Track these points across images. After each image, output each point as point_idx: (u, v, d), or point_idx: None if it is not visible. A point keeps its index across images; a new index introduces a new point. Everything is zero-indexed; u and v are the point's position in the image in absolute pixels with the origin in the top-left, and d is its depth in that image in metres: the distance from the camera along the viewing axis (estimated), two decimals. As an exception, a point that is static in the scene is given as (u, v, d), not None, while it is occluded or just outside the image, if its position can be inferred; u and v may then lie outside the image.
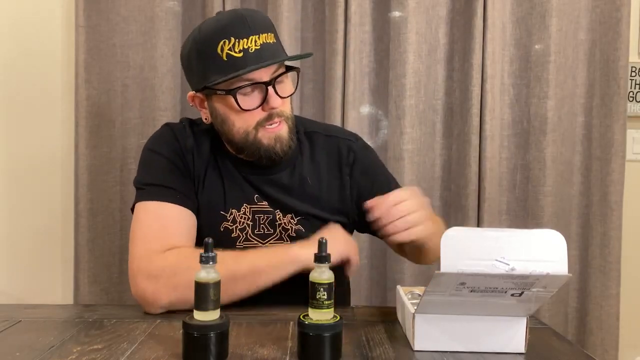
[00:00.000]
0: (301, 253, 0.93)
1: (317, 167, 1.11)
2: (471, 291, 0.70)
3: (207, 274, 0.70)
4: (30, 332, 0.83)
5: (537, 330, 0.86)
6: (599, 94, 1.70)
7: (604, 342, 1.68)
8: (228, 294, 0.85)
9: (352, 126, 1.61)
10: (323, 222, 1.07)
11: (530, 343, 0.76)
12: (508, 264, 0.68)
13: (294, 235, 1.07)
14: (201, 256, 0.70)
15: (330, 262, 0.72)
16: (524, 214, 1.69)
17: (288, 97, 1.03)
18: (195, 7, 1.65)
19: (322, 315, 0.71)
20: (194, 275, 0.83)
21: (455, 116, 1.67)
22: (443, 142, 1.69)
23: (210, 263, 0.70)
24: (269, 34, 0.99)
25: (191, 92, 1.05)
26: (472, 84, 1.61)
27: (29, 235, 1.70)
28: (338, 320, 0.72)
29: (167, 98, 1.61)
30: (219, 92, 0.99)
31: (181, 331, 0.71)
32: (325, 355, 0.70)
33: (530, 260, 0.68)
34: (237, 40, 0.95)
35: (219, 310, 0.71)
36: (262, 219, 1.07)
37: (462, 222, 1.63)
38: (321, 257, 0.72)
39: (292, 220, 1.07)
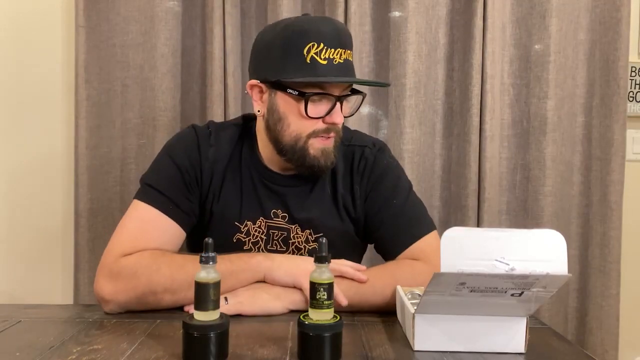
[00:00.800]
0: (263, 262, 0.93)
1: (334, 178, 1.10)
2: (471, 291, 0.70)
3: (207, 274, 0.70)
4: (30, 332, 0.83)
5: (537, 330, 0.86)
6: (598, 94, 1.70)
7: (604, 342, 1.68)
8: (181, 297, 0.90)
9: (351, 126, 1.60)
10: (339, 237, 1.08)
11: (530, 343, 0.76)
12: (508, 264, 0.68)
13: (307, 255, 1.06)
14: (201, 256, 0.70)
15: (329, 262, 0.72)
16: (524, 214, 1.69)
17: (347, 117, 1.03)
18: (195, 7, 1.65)
19: (322, 315, 0.71)
20: (154, 276, 0.85)
21: (455, 116, 1.67)
22: (443, 142, 1.69)
23: (210, 263, 0.70)
24: (351, 52, 1.00)
25: (253, 81, 1.03)
26: (472, 84, 1.61)
27: (29, 235, 1.70)
28: (338, 320, 0.72)
29: (167, 98, 1.61)
30: (290, 91, 0.97)
31: (181, 331, 0.71)
32: (325, 355, 0.70)
33: (530, 260, 0.68)
34: (325, 47, 0.96)
35: (219, 310, 0.71)
36: (276, 235, 1.07)
37: (462, 222, 1.63)
38: (321, 257, 0.72)
39: (309, 237, 1.07)
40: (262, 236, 1.06)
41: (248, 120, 1.13)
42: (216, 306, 0.71)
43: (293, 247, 1.07)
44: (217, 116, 1.59)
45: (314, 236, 1.07)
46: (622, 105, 1.66)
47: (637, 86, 1.80)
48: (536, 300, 0.72)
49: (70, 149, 1.65)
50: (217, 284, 0.70)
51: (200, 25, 1.65)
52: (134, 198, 1.02)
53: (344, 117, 1.01)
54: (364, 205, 1.09)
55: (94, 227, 1.61)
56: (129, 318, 0.90)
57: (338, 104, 0.98)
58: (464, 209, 1.63)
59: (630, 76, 1.77)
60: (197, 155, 1.04)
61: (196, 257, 0.75)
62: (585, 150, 1.71)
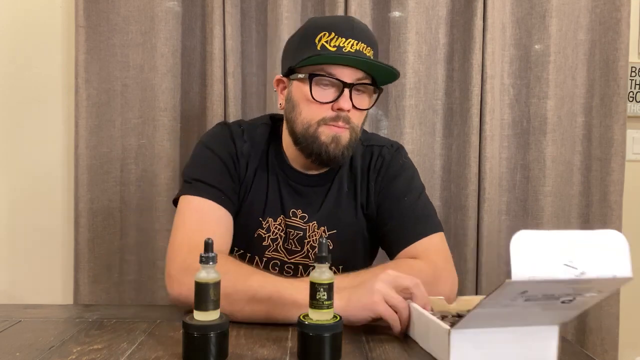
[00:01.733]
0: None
1: (354, 177, 1.12)
2: (526, 300, 0.64)
3: (207, 274, 0.70)
4: (30, 332, 0.83)
5: (537, 330, 0.86)
6: (598, 94, 1.70)
7: (604, 342, 1.68)
8: (237, 309, 0.84)
9: (352, 126, 1.61)
10: (354, 234, 1.10)
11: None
12: (576, 268, 0.62)
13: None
14: (201, 256, 0.70)
15: (329, 262, 0.72)
16: (523, 214, 1.69)
17: (361, 110, 1.03)
18: (195, 7, 1.65)
19: (322, 315, 0.71)
20: (222, 279, 0.82)
21: (455, 116, 1.67)
22: (443, 142, 1.69)
23: (210, 263, 0.70)
24: (369, 47, 1.01)
25: (278, 75, 1.09)
26: (472, 84, 1.61)
27: (29, 235, 1.70)
28: (338, 320, 0.72)
29: (167, 98, 1.61)
30: (300, 75, 1.01)
31: (181, 331, 0.71)
32: (325, 355, 0.70)
33: (594, 262, 0.63)
34: (336, 36, 0.98)
35: (219, 310, 0.71)
36: (293, 234, 1.09)
37: (462, 222, 1.63)
38: (321, 257, 0.72)
39: (324, 234, 1.09)
40: (282, 234, 1.08)
41: (275, 121, 1.16)
42: (216, 306, 0.71)
43: (308, 246, 1.09)
44: (217, 116, 1.59)
45: (327, 233, 1.09)
46: (622, 105, 1.66)
47: (637, 86, 1.80)
48: (582, 305, 0.67)
49: (70, 149, 1.65)
50: (217, 284, 0.70)
51: (200, 25, 1.65)
52: (182, 194, 1.03)
53: (359, 108, 1.02)
54: (376, 201, 1.11)
55: (94, 227, 1.61)
56: (129, 318, 0.90)
57: (346, 91, 0.99)
58: (464, 209, 1.63)
59: (630, 76, 1.77)
60: (234, 149, 1.07)
61: (260, 271, 0.80)
62: (585, 150, 1.71)
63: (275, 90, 1.11)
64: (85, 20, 1.59)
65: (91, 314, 0.92)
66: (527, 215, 1.68)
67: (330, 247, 1.08)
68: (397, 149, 1.16)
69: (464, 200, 1.63)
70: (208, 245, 0.70)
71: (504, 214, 1.69)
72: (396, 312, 0.81)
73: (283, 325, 0.84)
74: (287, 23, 1.58)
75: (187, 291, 0.86)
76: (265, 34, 1.65)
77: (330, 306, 0.71)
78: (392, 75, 1.03)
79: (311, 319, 0.71)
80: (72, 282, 1.63)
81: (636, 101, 1.80)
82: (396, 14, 1.64)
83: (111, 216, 1.63)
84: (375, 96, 1.07)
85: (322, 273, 0.71)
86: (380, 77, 1.04)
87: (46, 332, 0.82)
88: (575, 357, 0.78)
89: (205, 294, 0.70)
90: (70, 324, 0.87)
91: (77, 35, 1.59)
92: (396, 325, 0.81)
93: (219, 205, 1.01)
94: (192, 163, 1.08)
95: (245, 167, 1.08)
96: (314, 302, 0.71)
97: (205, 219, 0.99)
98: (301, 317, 0.72)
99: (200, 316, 0.70)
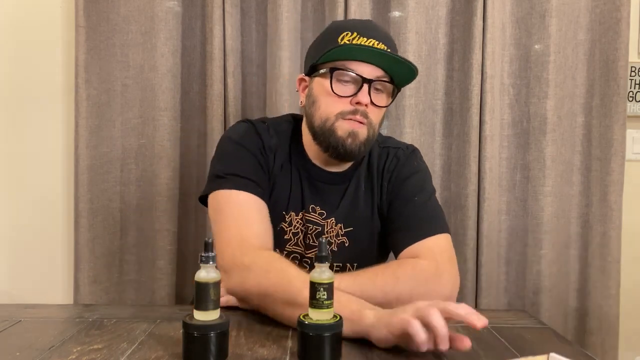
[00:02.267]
0: (368, 318, 0.79)
1: (371, 177, 1.14)
2: None
3: (207, 274, 0.70)
4: (30, 332, 0.83)
5: (537, 330, 0.86)
6: (598, 94, 1.70)
7: (604, 342, 1.67)
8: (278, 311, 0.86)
9: (352, 126, 1.61)
10: (369, 232, 1.12)
11: (530, 343, 0.76)
12: None
13: (336, 249, 1.10)
14: (201, 256, 0.70)
15: (330, 262, 0.72)
16: (523, 214, 1.69)
17: (380, 107, 1.04)
18: (195, 7, 1.65)
19: (322, 315, 0.71)
20: (277, 278, 0.85)
21: (455, 116, 1.67)
22: (443, 142, 1.69)
23: (210, 263, 0.70)
24: (389, 49, 1.03)
25: (301, 75, 1.12)
26: (472, 84, 1.61)
27: (29, 235, 1.70)
28: (338, 320, 0.72)
29: (167, 98, 1.61)
30: (321, 70, 1.04)
31: (181, 331, 0.71)
32: (325, 355, 0.70)
33: None
34: (359, 35, 1.01)
35: (219, 310, 0.71)
36: (311, 229, 1.10)
37: (462, 222, 1.63)
38: (321, 257, 0.72)
39: (340, 231, 1.11)
40: (302, 228, 1.10)
41: (297, 120, 1.18)
42: (216, 306, 0.71)
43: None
44: (217, 116, 1.59)
45: (344, 230, 1.11)
46: (622, 105, 1.66)
47: (637, 86, 1.80)
48: None
49: (70, 149, 1.65)
50: (217, 284, 0.70)
51: (200, 25, 1.65)
52: (217, 189, 1.02)
53: (377, 104, 1.03)
54: (387, 200, 1.12)
55: (94, 227, 1.61)
56: (129, 318, 0.90)
57: (365, 86, 1.01)
58: (464, 209, 1.63)
59: (630, 76, 1.77)
60: (261, 143, 1.08)
61: (303, 273, 0.81)
62: (585, 150, 1.71)
63: (297, 91, 1.13)
64: (85, 20, 1.59)
65: (91, 314, 0.92)
66: (527, 215, 1.68)
67: (347, 245, 1.11)
68: (413, 151, 1.18)
69: (464, 200, 1.63)
70: (208, 245, 0.70)
71: (504, 213, 1.69)
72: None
73: (282, 325, 0.84)
74: (287, 23, 1.58)
75: (237, 286, 0.91)
76: (265, 34, 1.65)
77: (330, 306, 0.71)
78: (410, 72, 1.04)
79: (311, 319, 0.71)
80: (72, 282, 1.63)
81: (636, 101, 1.80)
82: (396, 14, 1.64)
83: (111, 216, 1.63)
84: (391, 87, 1.08)
85: (322, 273, 0.71)
86: (398, 77, 1.06)
87: (46, 332, 0.82)
88: (575, 357, 0.78)
89: (205, 294, 0.70)
90: (70, 324, 0.87)
91: (77, 35, 1.59)
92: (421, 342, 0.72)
93: (257, 198, 1.02)
94: (222, 158, 1.09)
95: (273, 161, 1.09)
96: (314, 302, 0.71)
97: (247, 213, 1.00)
98: (301, 317, 0.72)
99: (200, 316, 0.70)
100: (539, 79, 1.65)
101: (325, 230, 1.10)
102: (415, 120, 1.65)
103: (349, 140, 1.02)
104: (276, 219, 1.08)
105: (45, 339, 0.79)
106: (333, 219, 1.11)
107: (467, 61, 1.63)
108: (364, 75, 1.01)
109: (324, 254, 0.72)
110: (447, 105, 1.68)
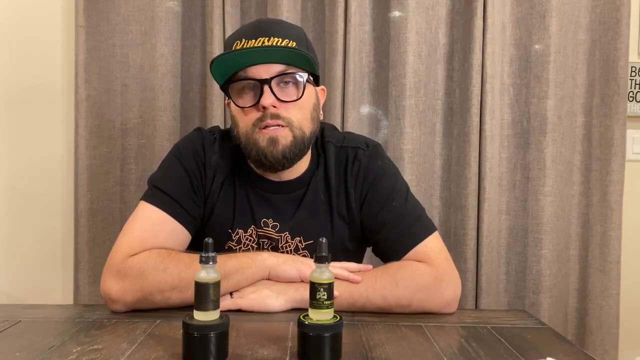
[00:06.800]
0: (268, 259, 0.94)
1: (328, 182, 1.08)
2: None
3: (207, 274, 0.70)
4: (30, 332, 0.83)
5: (537, 330, 0.86)
6: (598, 94, 1.70)
7: (604, 342, 1.68)
8: (188, 295, 0.87)
9: (351, 126, 1.61)
10: (332, 243, 1.04)
11: (530, 343, 0.76)
12: None
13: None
14: (201, 256, 0.70)
15: (329, 262, 0.72)
16: (523, 214, 1.68)
17: (292, 101, 0.98)
18: (195, 7, 1.65)
19: (322, 315, 0.71)
20: (161, 275, 0.88)
21: (455, 116, 1.67)
22: (443, 142, 1.69)
23: (210, 263, 0.70)
24: (287, 40, 0.96)
25: (227, 100, 1.04)
26: (472, 84, 1.61)
27: (29, 236, 1.70)
28: (338, 320, 0.72)
29: (167, 98, 1.61)
30: (225, 90, 1.02)
31: (181, 331, 0.71)
32: (325, 355, 0.70)
33: None
34: (246, 40, 0.96)
35: (219, 310, 0.71)
36: (266, 244, 1.06)
37: (462, 222, 1.63)
38: (321, 257, 0.72)
39: (299, 244, 1.06)
40: (253, 244, 1.06)
41: None
42: (216, 306, 0.71)
43: None
44: (217, 116, 1.59)
45: (304, 243, 1.06)
46: (622, 105, 1.66)
47: (637, 86, 1.79)
48: None
49: (70, 148, 1.65)
50: (217, 284, 0.70)
51: (200, 25, 1.65)
52: (142, 199, 1.02)
53: (286, 100, 0.97)
54: (360, 208, 1.07)
55: (94, 227, 1.61)
56: (129, 318, 0.90)
57: (266, 87, 0.95)
58: (464, 209, 1.63)
59: (630, 76, 1.77)
60: (202, 159, 1.05)
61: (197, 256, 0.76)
62: (585, 150, 1.71)
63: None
64: (85, 20, 1.59)
65: (91, 314, 0.92)
66: (527, 215, 1.68)
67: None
68: (374, 148, 1.10)
69: (464, 200, 1.63)
70: (207, 245, 0.70)
71: (504, 213, 1.69)
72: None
73: (283, 325, 0.84)
74: (287, 23, 1.58)
75: (116, 295, 0.92)
76: (265, 34, 1.64)
77: (330, 306, 0.71)
78: (299, 56, 0.96)
79: (311, 319, 0.71)
80: (72, 282, 1.63)
81: (636, 101, 1.80)
82: (396, 14, 1.64)
83: (111, 216, 1.63)
84: (311, 85, 1.02)
85: (322, 273, 0.71)
86: (304, 63, 0.99)
87: (46, 332, 0.82)
88: (575, 357, 0.78)
89: (205, 294, 0.70)
90: (70, 324, 0.87)
91: (77, 35, 1.59)
92: None
93: (172, 219, 1.00)
94: (159, 169, 1.07)
95: (212, 179, 1.05)
96: (314, 302, 0.71)
97: (153, 230, 0.98)
98: (301, 317, 0.72)
99: (200, 316, 0.70)
100: (539, 79, 1.65)
101: (280, 244, 1.05)
102: (415, 120, 1.64)
103: (270, 148, 0.97)
104: (222, 238, 1.05)
105: (45, 339, 0.79)
106: (287, 232, 1.05)
107: (467, 61, 1.63)
108: (257, 77, 0.96)
109: (323, 254, 0.72)
110: (447, 106, 1.68)
